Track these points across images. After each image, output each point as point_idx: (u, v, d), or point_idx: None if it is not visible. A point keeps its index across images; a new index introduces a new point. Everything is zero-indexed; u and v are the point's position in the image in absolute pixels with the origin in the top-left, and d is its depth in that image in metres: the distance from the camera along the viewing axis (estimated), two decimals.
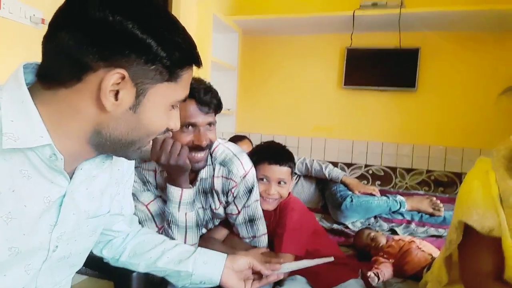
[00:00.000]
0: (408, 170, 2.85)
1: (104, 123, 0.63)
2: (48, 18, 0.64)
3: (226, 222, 1.35)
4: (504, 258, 0.95)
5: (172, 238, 1.13)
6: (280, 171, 1.35)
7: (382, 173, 2.91)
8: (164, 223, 1.19)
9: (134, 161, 0.87)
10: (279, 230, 1.30)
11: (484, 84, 2.61)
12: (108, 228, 0.92)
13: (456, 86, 2.70)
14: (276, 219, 1.35)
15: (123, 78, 0.59)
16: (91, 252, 0.86)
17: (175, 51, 0.62)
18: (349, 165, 2.97)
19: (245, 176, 1.24)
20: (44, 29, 0.63)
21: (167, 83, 0.64)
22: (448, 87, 2.72)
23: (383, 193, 2.26)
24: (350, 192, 2.10)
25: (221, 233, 1.34)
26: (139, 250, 0.97)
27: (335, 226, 2.06)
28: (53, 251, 0.69)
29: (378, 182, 2.91)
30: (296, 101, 3.05)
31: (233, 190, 1.24)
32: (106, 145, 0.66)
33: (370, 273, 1.45)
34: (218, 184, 1.23)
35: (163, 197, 1.21)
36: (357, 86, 2.86)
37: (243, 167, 1.24)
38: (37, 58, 0.64)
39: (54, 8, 0.62)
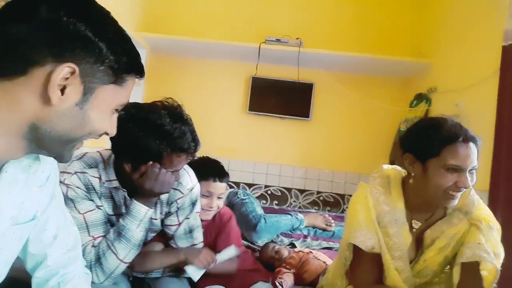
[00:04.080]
0: (302, 191, 3.14)
1: (46, 118, 0.62)
2: None
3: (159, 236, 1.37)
4: (384, 270, 1.18)
5: (111, 252, 1.12)
6: (221, 187, 1.51)
7: (279, 193, 3.14)
8: (99, 233, 1.16)
9: (56, 163, 0.82)
10: (224, 233, 1.49)
11: (365, 118, 3.07)
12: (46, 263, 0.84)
13: (342, 119, 3.12)
14: (217, 225, 1.51)
15: (72, 73, 0.60)
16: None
17: (123, 56, 0.66)
18: (250, 185, 3.14)
19: (192, 189, 1.29)
20: None
21: (114, 86, 0.66)
22: (336, 119, 3.12)
23: (281, 212, 2.45)
24: (260, 213, 2.22)
25: (157, 246, 1.35)
26: None
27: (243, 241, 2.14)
28: None
29: (275, 202, 3.13)
30: (202, 122, 3.09)
31: (178, 201, 1.27)
32: (42, 141, 0.64)
33: (276, 282, 1.58)
34: (164, 194, 1.24)
35: (104, 209, 1.21)
36: (260, 112, 3.09)
37: (191, 180, 1.30)
38: None
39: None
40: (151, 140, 1.07)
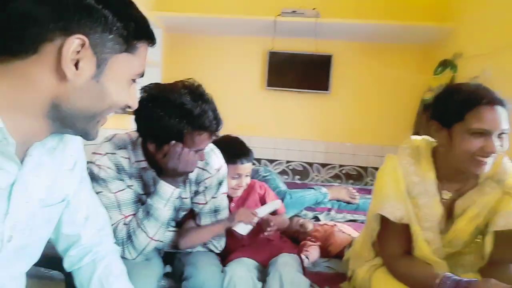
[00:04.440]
0: (324, 165, 3.12)
1: (64, 95, 0.61)
2: None
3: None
4: (412, 241, 1.17)
5: (141, 230, 1.15)
6: (249, 167, 1.52)
7: (301, 168, 3.13)
8: (129, 212, 1.19)
9: (82, 146, 0.84)
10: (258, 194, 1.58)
11: (387, 88, 3.00)
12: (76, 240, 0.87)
13: (363, 90, 3.05)
14: (244, 196, 1.56)
15: (83, 45, 0.59)
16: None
17: (130, 22, 0.64)
18: (271, 161, 3.14)
19: (219, 169, 1.31)
20: None
21: (126, 54, 0.65)
22: (356, 91, 3.06)
23: (304, 186, 2.45)
24: (284, 189, 2.22)
25: (191, 224, 1.38)
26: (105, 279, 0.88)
27: None
28: (8, 241, 0.66)
29: (297, 177, 3.13)
30: (220, 100, 3.08)
31: (206, 181, 1.29)
32: (65, 119, 0.64)
33: (302, 255, 1.59)
34: (193, 174, 1.28)
35: (134, 188, 1.23)
36: (279, 87, 3.04)
37: (218, 160, 1.32)
38: None
39: None
40: (171, 119, 1.07)
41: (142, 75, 0.71)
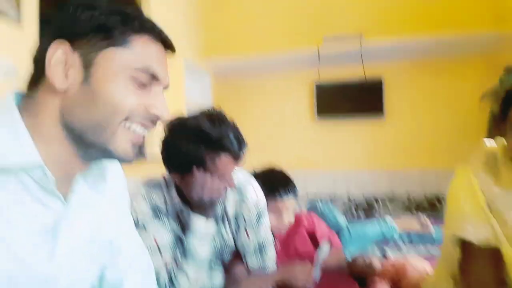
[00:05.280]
0: (390, 199, 2.86)
1: (68, 110, 0.60)
2: None
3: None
4: (505, 266, 0.94)
5: (182, 272, 1.09)
6: (291, 202, 1.40)
7: (365, 203, 2.89)
8: (170, 255, 1.13)
9: (125, 182, 0.80)
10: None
11: (449, 105, 2.74)
12: None
13: (421, 111, 2.82)
14: (291, 233, 1.45)
15: (65, 51, 0.58)
16: None
17: (111, 15, 0.60)
18: (330, 197, 2.94)
19: (257, 202, 1.24)
20: None
21: (114, 48, 0.60)
22: (414, 113, 2.84)
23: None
24: (342, 221, 2.03)
25: (240, 269, 1.28)
26: None
27: None
28: (54, 282, 0.62)
29: (361, 213, 2.88)
30: (272, 139, 3.07)
31: (244, 215, 1.23)
32: (81, 138, 0.61)
33: None
34: (230, 209, 1.23)
35: (174, 230, 1.17)
36: (330, 118, 2.93)
37: (256, 193, 1.25)
38: None
39: None
40: (190, 144, 1.05)
41: (154, 76, 0.63)
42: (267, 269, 1.26)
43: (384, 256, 1.88)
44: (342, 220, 2.06)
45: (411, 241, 2.01)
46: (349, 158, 2.95)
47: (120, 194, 0.78)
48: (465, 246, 0.98)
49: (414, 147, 2.82)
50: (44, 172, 0.57)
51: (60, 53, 0.57)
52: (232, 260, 1.28)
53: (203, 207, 1.10)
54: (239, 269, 1.26)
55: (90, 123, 0.60)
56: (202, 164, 1.05)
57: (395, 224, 2.05)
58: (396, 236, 2.01)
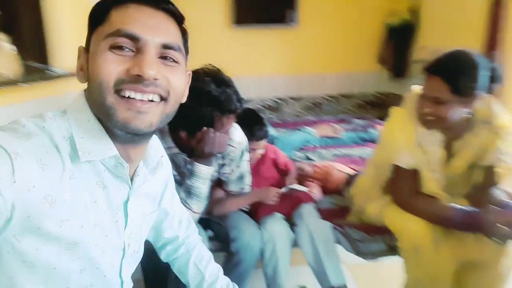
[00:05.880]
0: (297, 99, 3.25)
1: (89, 102, 0.67)
2: None
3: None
4: (422, 182, 1.36)
5: (187, 208, 1.22)
6: (263, 143, 1.63)
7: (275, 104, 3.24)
8: None
9: (170, 169, 0.94)
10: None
11: (351, 14, 3.05)
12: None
13: (328, 20, 3.08)
14: (259, 162, 1.69)
15: (79, 48, 0.67)
16: None
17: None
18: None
19: (241, 142, 1.41)
20: None
21: (100, 27, 0.63)
22: (323, 20, 3.08)
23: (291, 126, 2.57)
24: (273, 133, 2.30)
25: (221, 193, 1.49)
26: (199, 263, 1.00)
27: None
28: (128, 248, 0.76)
29: (271, 113, 3.24)
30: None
31: (231, 154, 1.39)
32: (105, 126, 0.66)
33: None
34: None
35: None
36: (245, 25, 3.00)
37: (240, 135, 1.41)
38: None
39: None
40: (203, 108, 1.16)
41: (131, 36, 0.61)
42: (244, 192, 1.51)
43: (308, 158, 2.29)
44: (273, 131, 2.36)
45: (326, 144, 2.46)
46: (259, 63, 3.16)
47: (168, 171, 0.92)
48: (397, 169, 1.38)
49: (327, 52, 3.16)
50: (119, 161, 0.67)
51: (79, 50, 0.67)
52: (213, 186, 1.49)
53: (209, 158, 1.25)
54: (221, 192, 1.48)
55: (97, 105, 0.63)
56: (212, 124, 1.19)
57: (314, 131, 2.44)
58: (315, 142, 2.43)
